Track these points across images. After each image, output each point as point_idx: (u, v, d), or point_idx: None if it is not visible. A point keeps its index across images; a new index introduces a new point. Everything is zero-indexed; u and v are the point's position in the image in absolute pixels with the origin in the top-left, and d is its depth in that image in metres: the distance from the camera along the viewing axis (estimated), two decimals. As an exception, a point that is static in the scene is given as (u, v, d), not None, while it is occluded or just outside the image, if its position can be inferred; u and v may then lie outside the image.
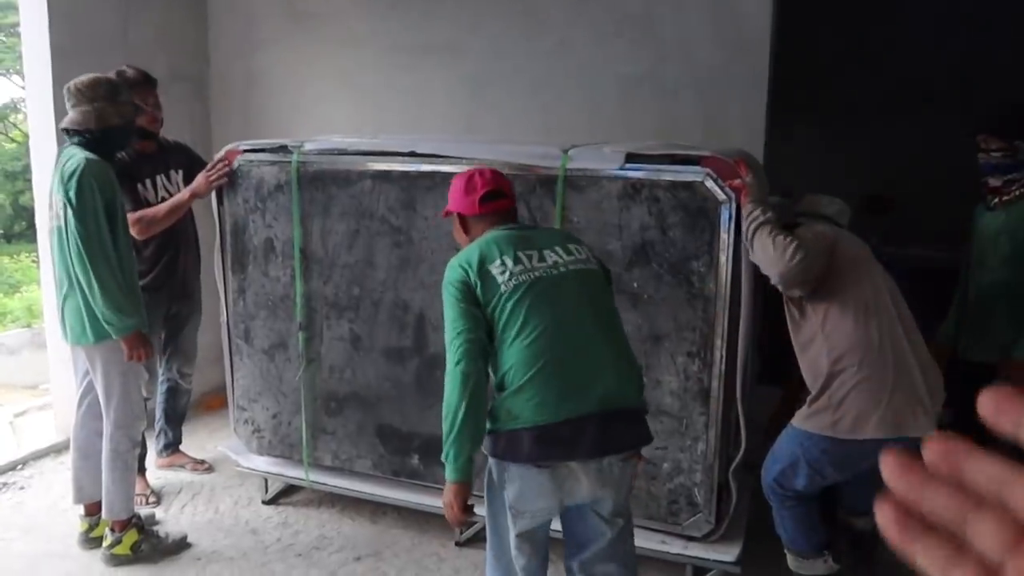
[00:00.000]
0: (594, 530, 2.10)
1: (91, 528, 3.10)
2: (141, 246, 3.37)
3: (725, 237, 2.58)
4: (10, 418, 4.55)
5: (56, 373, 4.09)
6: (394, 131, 4.16)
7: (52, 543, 3.16)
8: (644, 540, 2.68)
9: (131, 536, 3.01)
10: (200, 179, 3.28)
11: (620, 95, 3.90)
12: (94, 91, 2.90)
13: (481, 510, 2.17)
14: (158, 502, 3.54)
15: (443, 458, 2.00)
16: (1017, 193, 2.94)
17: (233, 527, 3.31)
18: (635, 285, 2.73)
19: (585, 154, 2.78)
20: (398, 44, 4.30)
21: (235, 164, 3.24)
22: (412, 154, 2.99)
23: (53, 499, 3.54)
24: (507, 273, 2.01)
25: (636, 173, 2.67)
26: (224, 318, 3.41)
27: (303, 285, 3.22)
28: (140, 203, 3.35)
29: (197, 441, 4.11)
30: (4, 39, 12.86)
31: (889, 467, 0.39)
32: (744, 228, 2.49)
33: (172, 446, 3.85)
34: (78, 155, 2.82)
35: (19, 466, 3.91)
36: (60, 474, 3.74)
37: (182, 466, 3.82)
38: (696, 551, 2.80)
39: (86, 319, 2.86)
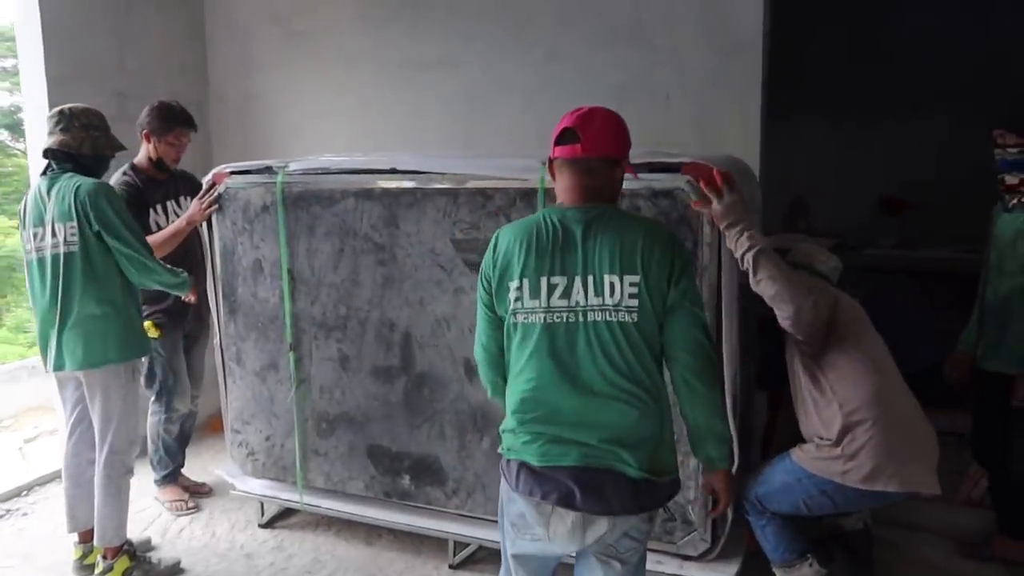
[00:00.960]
0: (591, 571, 1.97)
1: (84, 555, 3.10)
2: None
3: (706, 250, 2.50)
4: (20, 444, 4.60)
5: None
6: (392, 147, 4.14)
7: (49, 571, 3.17)
8: (636, 561, 2.60)
9: (123, 563, 3.00)
10: (194, 207, 3.31)
11: (613, 103, 3.77)
12: (90, 119, 2.93)
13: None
14: (197, 508, 3.66)
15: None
16: None
17: (228, 551, 3.28)
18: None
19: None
20: (392, 60, 4.29)
21: (222, 187, 3.23)
22: (393, 171, 2.96)
23: (54, 526, 3.54)
24: (520, 302, 1.82)
25: (616, 183, 2.59)
26: (217, 340, 3.40)
27: (291, 305, 3.20)
28: (150, 229, 3.39)
29: (200, 463, 4.10)
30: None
31: None
32: (738, 254, 2.37)
33: (174, 473, 3.84)
34: (84, 180, 2.85)
35: (24, 492, 3.94)
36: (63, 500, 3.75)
37: (185, 489, 3.81)
38: (692, 571, 2.72)
39: (96, 344, 2.87)
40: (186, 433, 3.84)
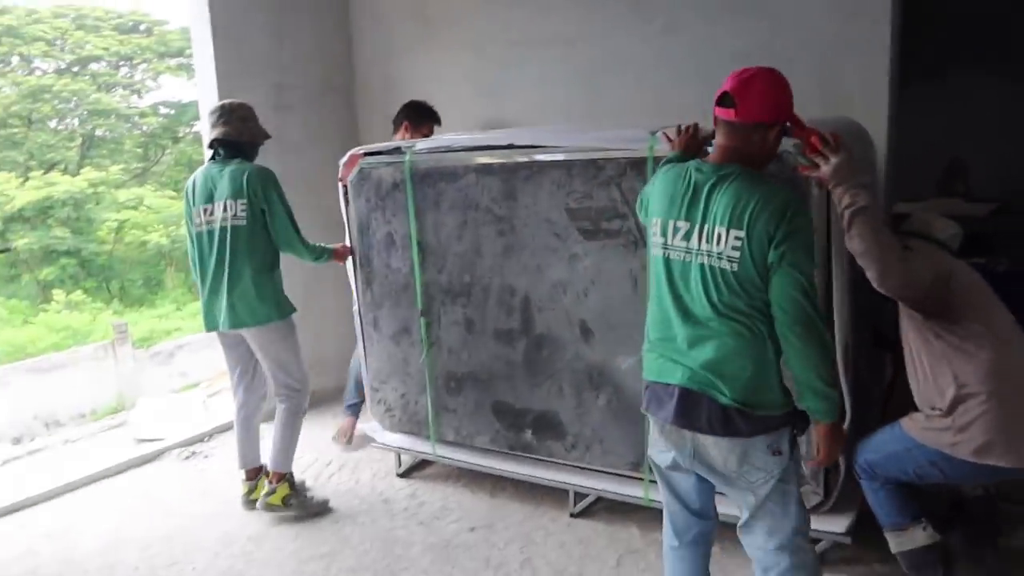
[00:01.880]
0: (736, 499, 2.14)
1: (250, 491, 3.57)
2: None
3: (814, 212, 2.50)
4: (204, 398, 5.26)
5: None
6: (520, 125, 4.33)
7: (221, 505, 3.66)
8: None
9: (283, 489, 3.44)
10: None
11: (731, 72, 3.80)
12: (244, 112, 3.37)
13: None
14: (349, 441, 4.23)
15: None
16: None
17: (368, 496, 3.66)
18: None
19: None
20: (516, 40, 4.47)
21: (357, 168, 3.55)
22: (510, 146, 3.14)
23: (230, 467, 4.07)
24: (655, 237, 2.11)
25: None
26: (356, 308, 3.75)
27: (421, 275, 3.48)
28: None
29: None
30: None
31: None
32: (841, 214, 2.36)
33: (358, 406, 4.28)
34: (252, 166, 3.30)
35: (206, 438, 4.54)
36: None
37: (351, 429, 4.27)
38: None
39: (262, 305, 3.29)
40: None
